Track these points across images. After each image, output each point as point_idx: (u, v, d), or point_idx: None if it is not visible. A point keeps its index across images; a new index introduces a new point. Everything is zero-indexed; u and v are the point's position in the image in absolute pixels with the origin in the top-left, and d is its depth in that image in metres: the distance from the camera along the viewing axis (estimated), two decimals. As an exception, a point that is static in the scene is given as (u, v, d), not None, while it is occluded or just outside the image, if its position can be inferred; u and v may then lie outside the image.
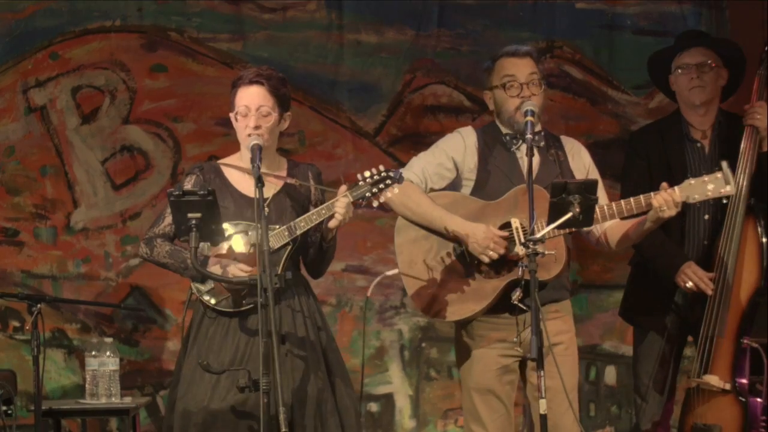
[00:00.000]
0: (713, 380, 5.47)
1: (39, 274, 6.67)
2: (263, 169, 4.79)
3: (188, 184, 5.01)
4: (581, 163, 5.25)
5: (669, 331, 5.66)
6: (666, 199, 4.90)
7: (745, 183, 5.44)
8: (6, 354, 6.58)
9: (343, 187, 4.89)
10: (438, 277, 5.11)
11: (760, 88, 5.58)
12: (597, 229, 5.18)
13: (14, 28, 6.71)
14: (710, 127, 5.69)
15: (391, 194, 4.90)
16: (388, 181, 4.86)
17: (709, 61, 5.64)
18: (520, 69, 5.13)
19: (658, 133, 5.73)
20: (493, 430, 5.10)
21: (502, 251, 4.98)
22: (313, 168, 5.13)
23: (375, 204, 4.91)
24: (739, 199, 5.45)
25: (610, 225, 5.15)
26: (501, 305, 5.04)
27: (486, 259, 5.00)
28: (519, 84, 5.11)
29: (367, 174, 4.87)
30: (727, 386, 5.49)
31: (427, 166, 5.17)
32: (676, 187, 4.93)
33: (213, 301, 4.94)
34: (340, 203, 4.83)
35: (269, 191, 4.94)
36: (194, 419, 4.86)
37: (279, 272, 4.83)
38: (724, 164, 4.93)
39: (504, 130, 5.19)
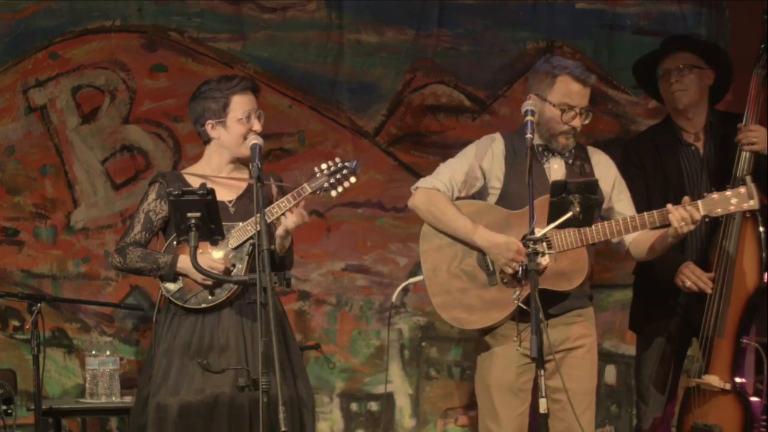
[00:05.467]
0: (713, 380, 5.47)
1: (39, 273, 6.67)
2: (225, 174, 5.09)
3: (152, 193, 5.14)
4: (608, 176, 5.26)
5: (671, 332, 5.66)
6: (684, 216, 4.93)
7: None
8: (6, 353, 6.57)
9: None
10: (461, 285, 5.15)
11: (757, 87, 5.57)
12: (625, 241, 5.24)
13: (14, 28, 6.70)
14: (702, 129, 5.69)
15: (349, 185, 5.03)
16: (345, 171, 5.03)
17: (690, 64, 5.63)
18: (582, 102, 5.18)
19: (651, 140, 5.74)
20: (510, 429, 5.13)
21: (525, 262, 4.97)
22: (274, 175, 5.22)
23: (333, 194, 5.03)
24: None
25: (635, 239, 5.21)
26: (525, 311, 5.04)
27: (510, 270, 5.02)
28: (575, 113, 5.14)
29: (324, 166, 5.03)
30: (727, 386, 5.49)
31: (455, 174, 5.18)
32: (699, 202, 4.94)
33: (182, 300, 5.05)
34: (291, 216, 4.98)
35: (233, 194, 5.11)
36: (170, 412, 4.93)
37: (244, 269, 4.98)
38: (748, 179, 4.99)
39: (537, 140, 5.18)
